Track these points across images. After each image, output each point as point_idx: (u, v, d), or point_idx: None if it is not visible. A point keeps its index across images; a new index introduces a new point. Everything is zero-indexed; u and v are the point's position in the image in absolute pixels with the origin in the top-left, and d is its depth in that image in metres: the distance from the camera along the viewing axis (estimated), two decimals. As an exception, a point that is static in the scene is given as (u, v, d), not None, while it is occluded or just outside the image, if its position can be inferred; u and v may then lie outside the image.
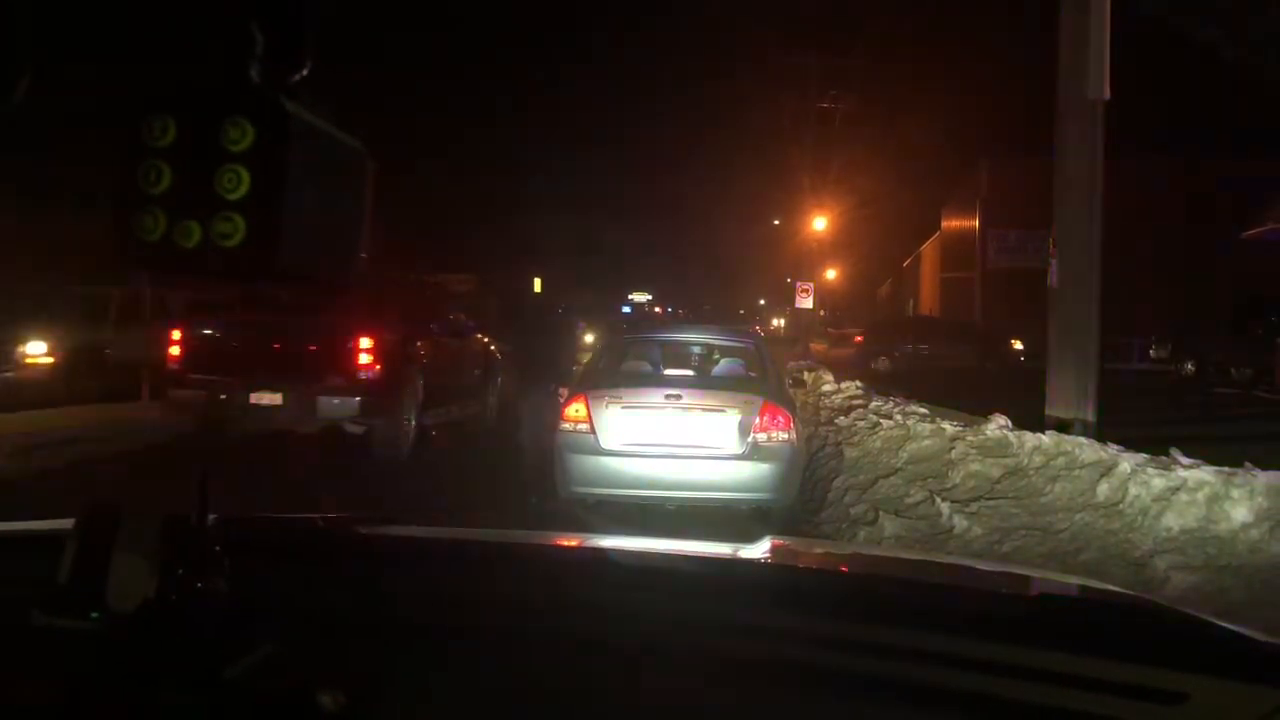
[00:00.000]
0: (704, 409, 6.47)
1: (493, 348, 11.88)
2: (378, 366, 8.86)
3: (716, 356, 8.39)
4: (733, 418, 6.39)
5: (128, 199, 0.63)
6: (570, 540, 1.95)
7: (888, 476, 7.30)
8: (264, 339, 9.19)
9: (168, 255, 0.63)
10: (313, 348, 9.14)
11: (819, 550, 2.59)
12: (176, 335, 9.59)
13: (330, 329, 9.06)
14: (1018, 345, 24.59)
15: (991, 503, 6.56)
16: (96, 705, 0.89)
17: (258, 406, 8.94)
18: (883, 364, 24.79)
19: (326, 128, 0.67)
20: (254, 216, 0.62)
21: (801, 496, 6.96)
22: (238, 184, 0.62)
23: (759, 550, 1.68)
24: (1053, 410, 8.25)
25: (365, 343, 8.86)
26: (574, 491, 6.51)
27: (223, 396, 9.17)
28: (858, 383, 13.21)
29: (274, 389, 8.88)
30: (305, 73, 0.65)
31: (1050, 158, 8.47)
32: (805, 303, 31.93)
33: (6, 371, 14.03)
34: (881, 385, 14.38)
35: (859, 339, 29.59)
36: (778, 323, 69.09)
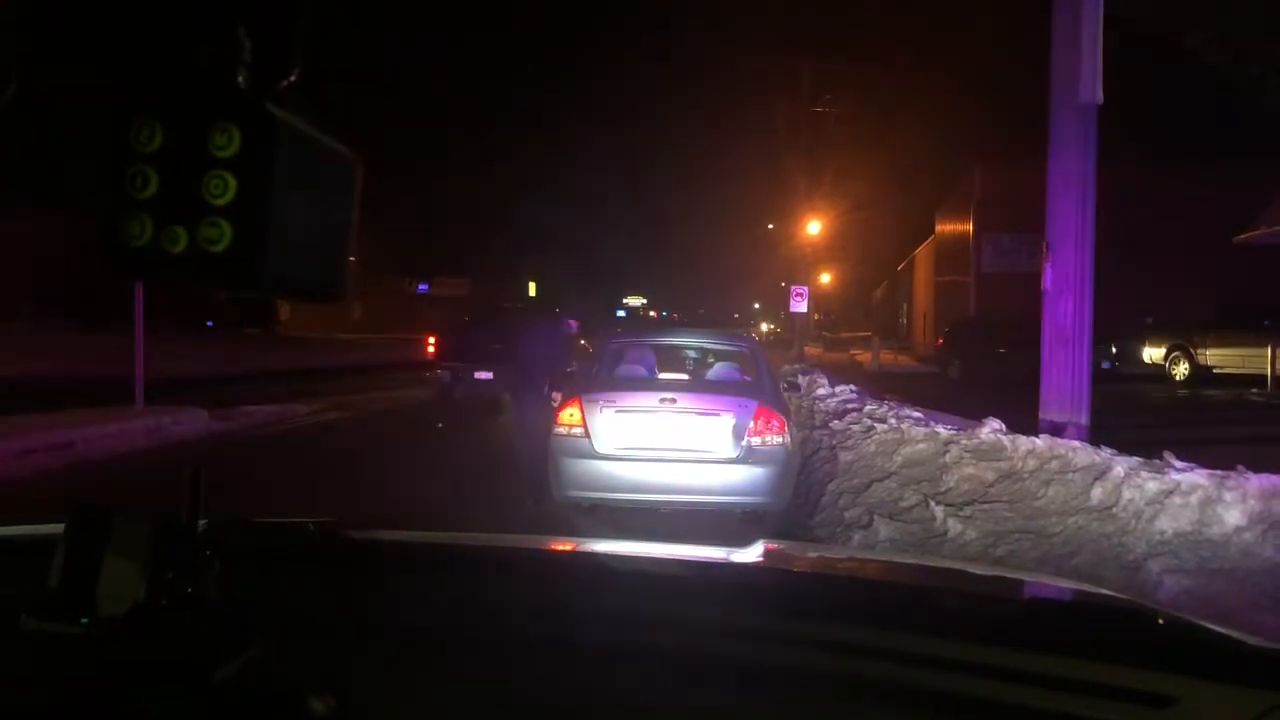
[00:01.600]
0: (698, 413, 6.47)
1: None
2: None
3: (711, 360, 8.40)
4: (727, 421, 6.39)
5: (114, 204, 0.63)
6: (563, 544, 1.95)
7: (882, 480, 7.31)
8: (481, 339, 15.10)
9: (154, 261, 0.63)
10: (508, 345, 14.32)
11: (813, 554, 2.58)
12: (432, 339, 16.69)
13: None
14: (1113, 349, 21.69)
15: (985, 506, 6.56)
16: (87, 710, 0.89)
17: (478, 380, 14.95)
18: (954, 369, 23.34)
19: (315, 133, 0.66)
20: (240, 222, 0.62)
21: (795, 500, 6.96)
22: (224, 190, 0.62)
23: (752, 554, 1.67)
24: (1046, 414, 8.26)
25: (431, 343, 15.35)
26: (568, 495, 6.50)
27: (460, 375, 15.29)
28: (852, 386, 13.22)
29: (488, 369, 14.73)
30: (293, 78, 0.65)
31: (1044, 161, 8.49)
32: (800, 307, 31.98)
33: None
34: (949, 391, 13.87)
35: (940, 341, 27.28)
36: (768, 326, 68.92)
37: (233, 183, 0.62)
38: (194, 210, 0.62)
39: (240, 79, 0.64)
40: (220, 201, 0.62)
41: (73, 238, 22.71)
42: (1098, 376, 9.09)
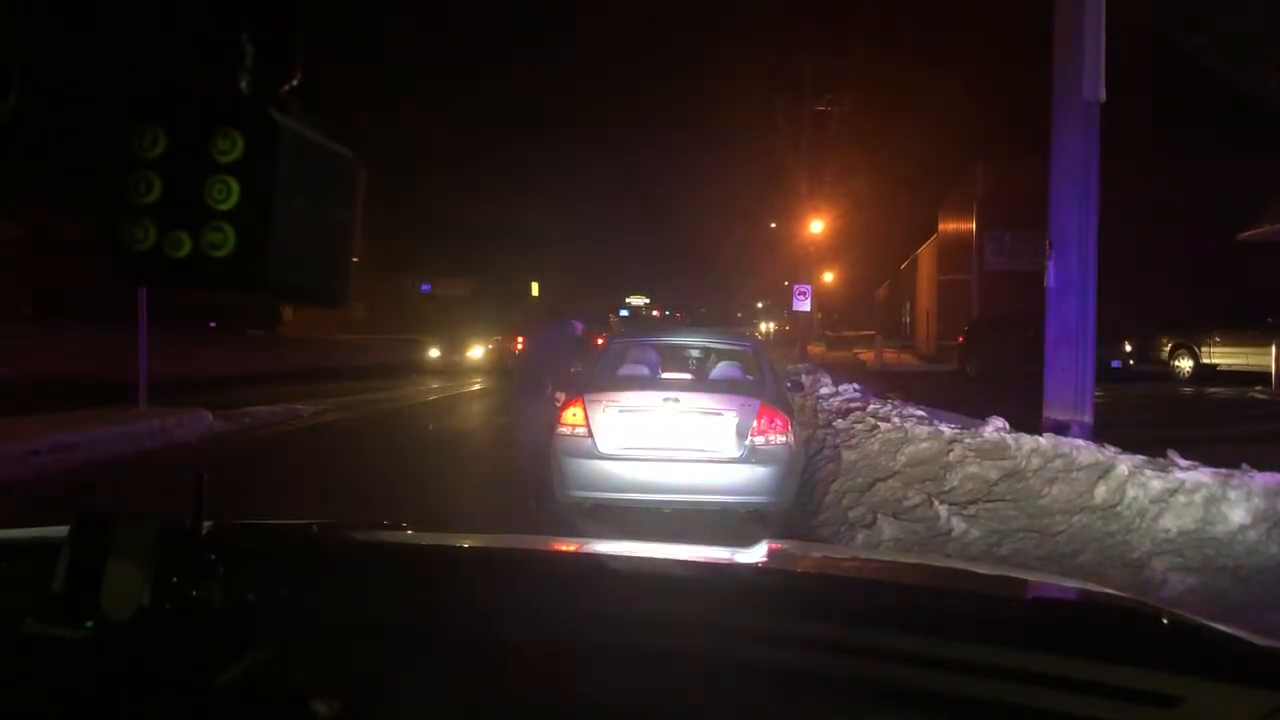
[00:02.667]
0: (701, 412, 6.47)
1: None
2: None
3: (714, 360, 8.40)
4: (730, 421, 6.39)
5: (117, 209, 0.63)
6: (566, 545, 1.95)
7: (886, 479, 7.30)
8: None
9: (157, 266, 0.63)
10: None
11: (817, 554, 2.58)
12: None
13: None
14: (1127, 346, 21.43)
15: (989, 505, 6.55)
16: (91, 714, 0.89)
17: None
18: (973, 367, 23.40)
19: (317, 137, 0.67)
20: (244, 227, 0.62)
21: (799, 499, 6.96)
22: (228, 195, 0.62)
23: (756, 554, 1.67)
24: (1050, 412, 8.25)
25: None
26: (571, 495, 6.50)
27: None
28: (855, 385, 13.22)
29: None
30: (295, 83, 0.65)
31: (1046, 159, 8.48)
32: (803, 305, 31.98)
33: None
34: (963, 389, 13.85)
35: (960, 339, 27.02)
36: (766, 326, 68.60)
37: (236, 188, 0.62)
38: (197, 215, 0.63)
39: (242, 84, 0.64)
40: (224, 206, 0.62)
41: (75, 239, 22.76)
42: (1102, 375, 9.08)
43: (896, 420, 8.90)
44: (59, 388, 14.39)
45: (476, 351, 27.97)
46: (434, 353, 28.30)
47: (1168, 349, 20.81)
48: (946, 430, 8.00)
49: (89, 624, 0.89)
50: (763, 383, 7.17)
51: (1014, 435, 7.54)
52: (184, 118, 0.64)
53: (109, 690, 0.89)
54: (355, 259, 0.72)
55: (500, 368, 25.55)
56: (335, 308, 0.72)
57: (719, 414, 6.44)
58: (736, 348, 8.32)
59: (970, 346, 24.85)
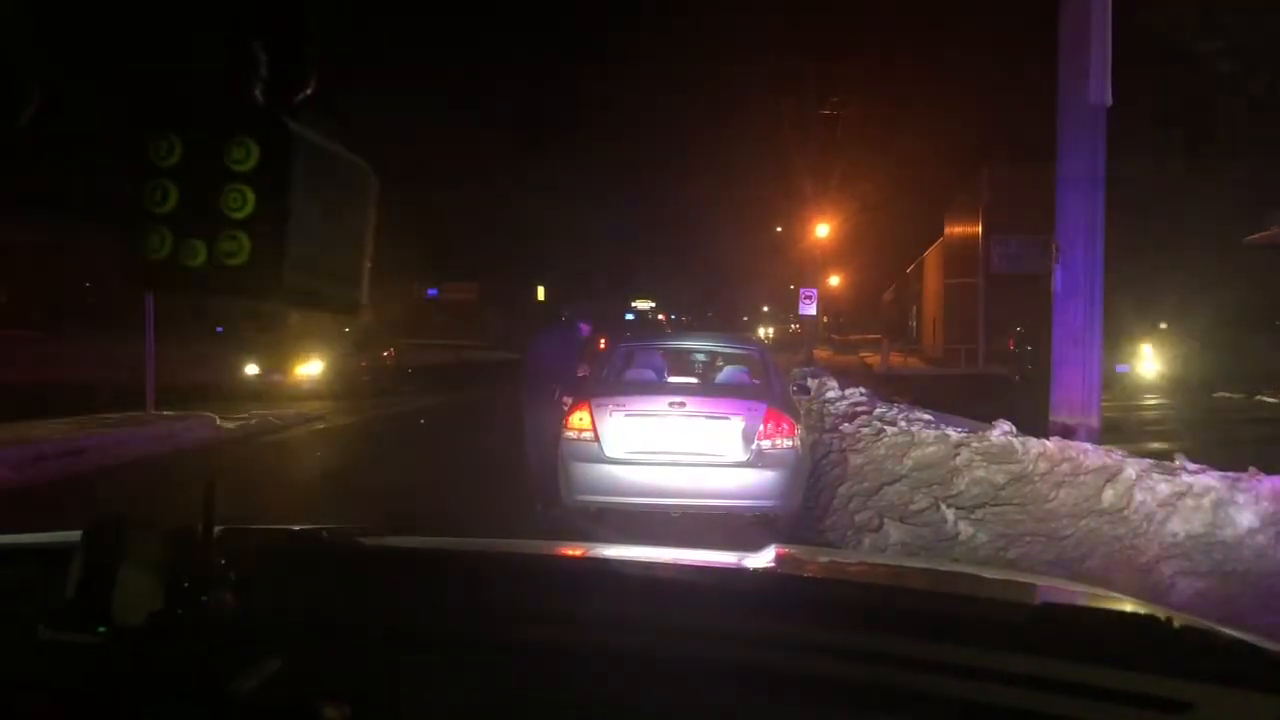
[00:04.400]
0: (708, 416, 6.47)
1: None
2: None
3: (720, 364, 8.40)
4: (737, 425, 6.39)
5: (133, 218, 0.64)
6: (574, 549, 1.95)
7: (892, 483, 7.29)
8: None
9: (173, 274, 0.64)
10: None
11: (824, 559, 2.58)
12: (602, 339, 15.65)
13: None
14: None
15: (996, 509, 6.54)
16: None
17: None
18: (1021, 371, 22.86)
19: (331, 146, 0.67)
20: (259, 235, 0.63)
21: (806, 503, 6.95)
22: (243, 203, 0.63)
23: (764, 559, 1.68)
24: (1057, 416, 8.24)
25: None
26: (578, 500, 6.50)
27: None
28: (861, 389, 13.20)
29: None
30: (309, 92, 0.66)
31: (1053, 163, 8.47)
32: (809, 309, 31.95)
33: None
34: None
35: (1010, 345, 26.54)
36: (765, 331, 68.35)
37: (251, 196, 0.63)
38: (213, 223, 0.63)
39: (257, 93, 0.64)
40: (239, 215, 0.63)
41: (87, 245, 22.84)
42: (1108, 379, 9.07)
43: (903, 424, 8.89)
44: (68, 392, 14.40)
45: (313, 367, 19.68)
46: (251, 369, 19.83)
47: (1171, 353, 20.76)
48: (953, 434, 7.98)
49: (101, 630, 0.89)
50: (769, 387, 7.17)
51: (1021, 439, 7.53)
52: (199, 127, 0.64)
53: (121, 696, 0.89)
54: (368, 265, 0.73)
55: (354, 392, 18.96)
56: (349, 315, 0.73)
57: (725, 418, 6.44)
58: (742, 352, 8.32)
59: (1020, 352, 24.62)
